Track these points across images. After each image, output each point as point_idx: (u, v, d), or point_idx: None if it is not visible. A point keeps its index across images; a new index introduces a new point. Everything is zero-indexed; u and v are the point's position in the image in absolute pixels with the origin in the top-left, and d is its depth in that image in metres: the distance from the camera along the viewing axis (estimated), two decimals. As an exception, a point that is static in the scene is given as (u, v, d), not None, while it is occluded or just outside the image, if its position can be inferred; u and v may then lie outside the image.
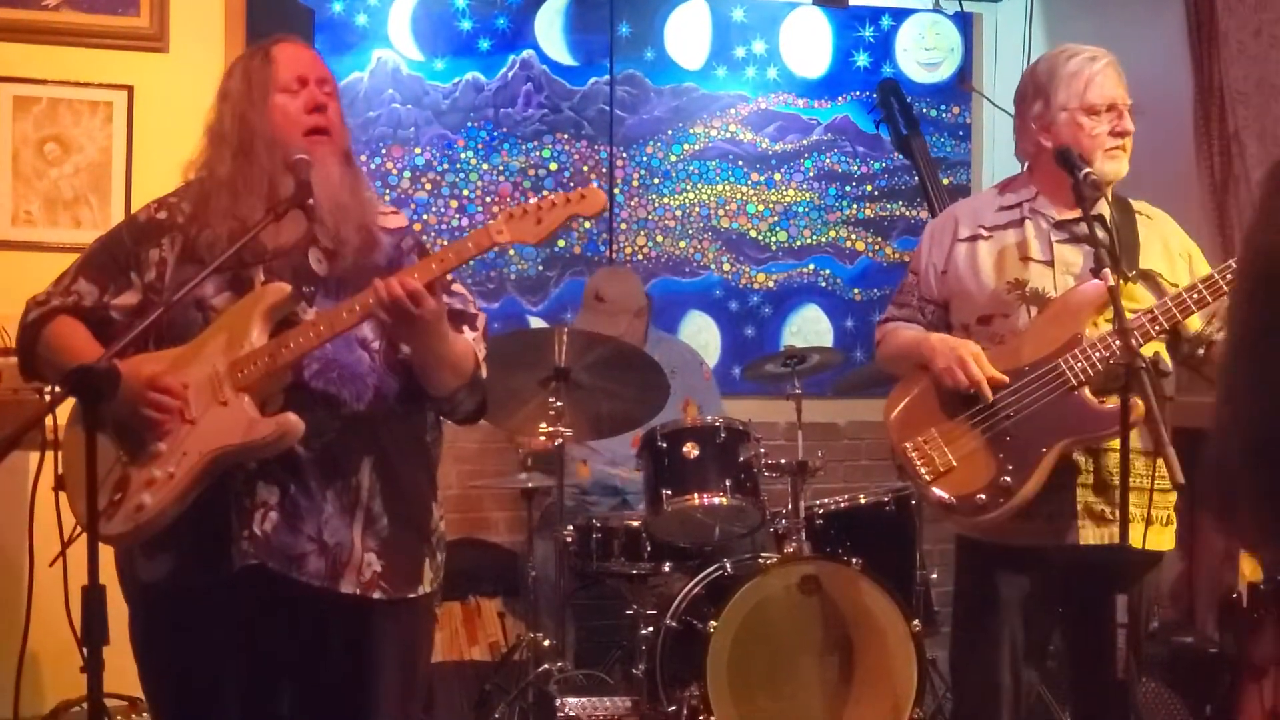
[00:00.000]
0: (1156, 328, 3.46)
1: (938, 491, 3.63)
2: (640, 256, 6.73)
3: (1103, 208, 3.64)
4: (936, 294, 3.83)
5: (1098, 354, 3.48)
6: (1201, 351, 3.68)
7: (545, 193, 6.46)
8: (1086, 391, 3.51)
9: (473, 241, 2.94)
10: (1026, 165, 3.83)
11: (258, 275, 3.04)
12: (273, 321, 2.98)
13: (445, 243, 6.26)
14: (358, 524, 3.03)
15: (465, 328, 3.17)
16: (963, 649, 3.86)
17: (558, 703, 4.90)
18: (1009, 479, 3.53)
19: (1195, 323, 3.62)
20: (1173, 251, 3.73)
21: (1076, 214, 3.56)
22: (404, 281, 2.88)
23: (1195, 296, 3.45)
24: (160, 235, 3.13)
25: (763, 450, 5.02)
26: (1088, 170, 3.51)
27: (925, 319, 3.84)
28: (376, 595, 3.04)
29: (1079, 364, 3.50)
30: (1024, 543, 3.61)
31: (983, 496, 3.56)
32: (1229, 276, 3.42)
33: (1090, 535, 3.55)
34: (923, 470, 3.66)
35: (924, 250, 3.89)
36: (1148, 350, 3.52)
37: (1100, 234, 3.54)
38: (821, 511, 5.10)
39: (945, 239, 3.83)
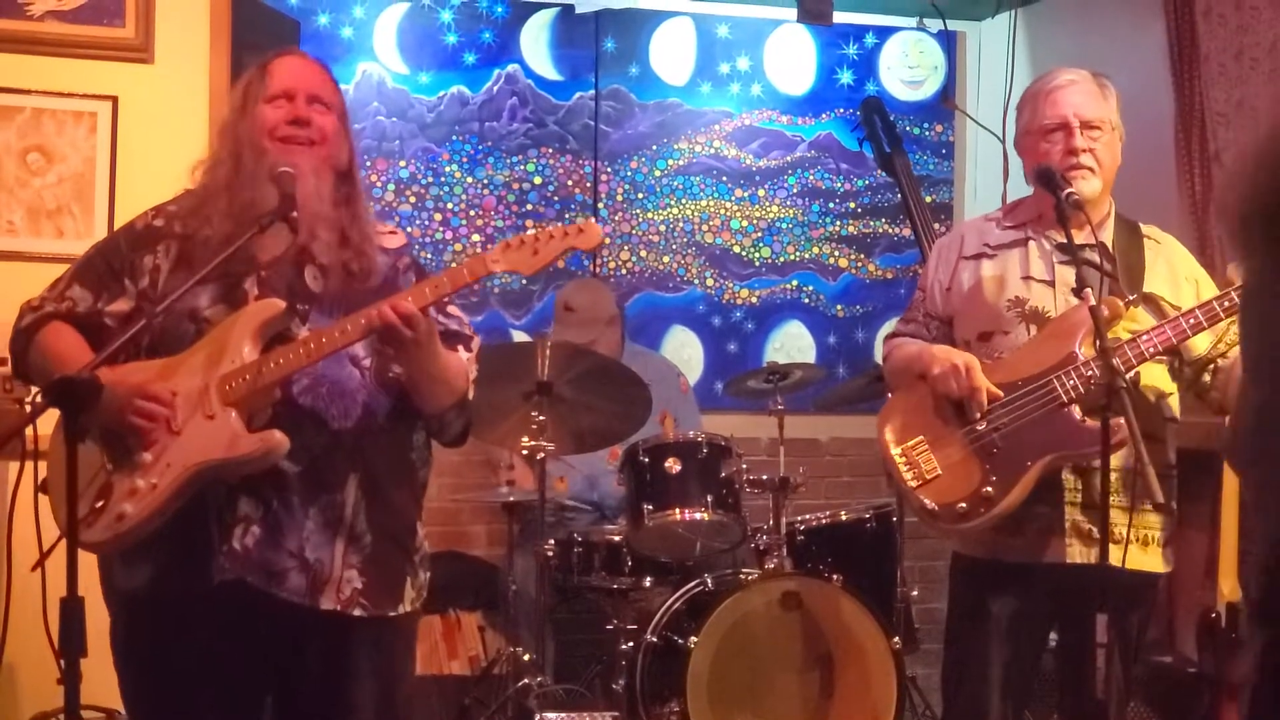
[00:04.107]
0: (1150, 349, 3.47)
1: (922, 498, 3.65)
2: (624, 271, 6.74)
3: (1106, 232, 3.67)
4: (941, 310, 3.85)
5: (1090, 373, 3.49)
6: (1207, 378, 3.68)
7: (530, 207, 6.55)
8: (1076, 409, 3.52)
9: (468, 269, 2.96)
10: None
11: (251, 289, 3.03)
12: (265, 337, 2.97)
13: (429, 256, 6.30)
14: (340, 541, 3.02)
15: (460, 348, 3.19)
16: (953, 665, 3.87)
17: (537, 717, 4.89)
18: (991, 489, 3.55)
19: (1200, 346, 3.63)
20: (1179, 276, 3.74)
21: (1079, 236, 3.55)
22: (398, 306, 2.89)
23: (1192, 321, 3.47)
24: (156, 243, 3.13)
25: (744, 466, 5.02)
26: (1070, 191, 3.52)
27: (930, 334, 3.86)
28: (357, 612, 3.03)
29: (1071, 381, 3.52)
30: (1014, 559, 3.62)
31: (964, 505, 3.58)
32: (1227, 304, 3.44)
33: (1078, 554, 3.56)
34: (908, 476, 3.68)
35: (931, 267, 3.92)
36: (1147, 374, 3.55)
37: (1095, 257, 3.56)
38: (803, 527, 5.11)
39: (951, 256, 3.86)
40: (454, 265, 3.03)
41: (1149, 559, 3.62)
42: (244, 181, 3.04)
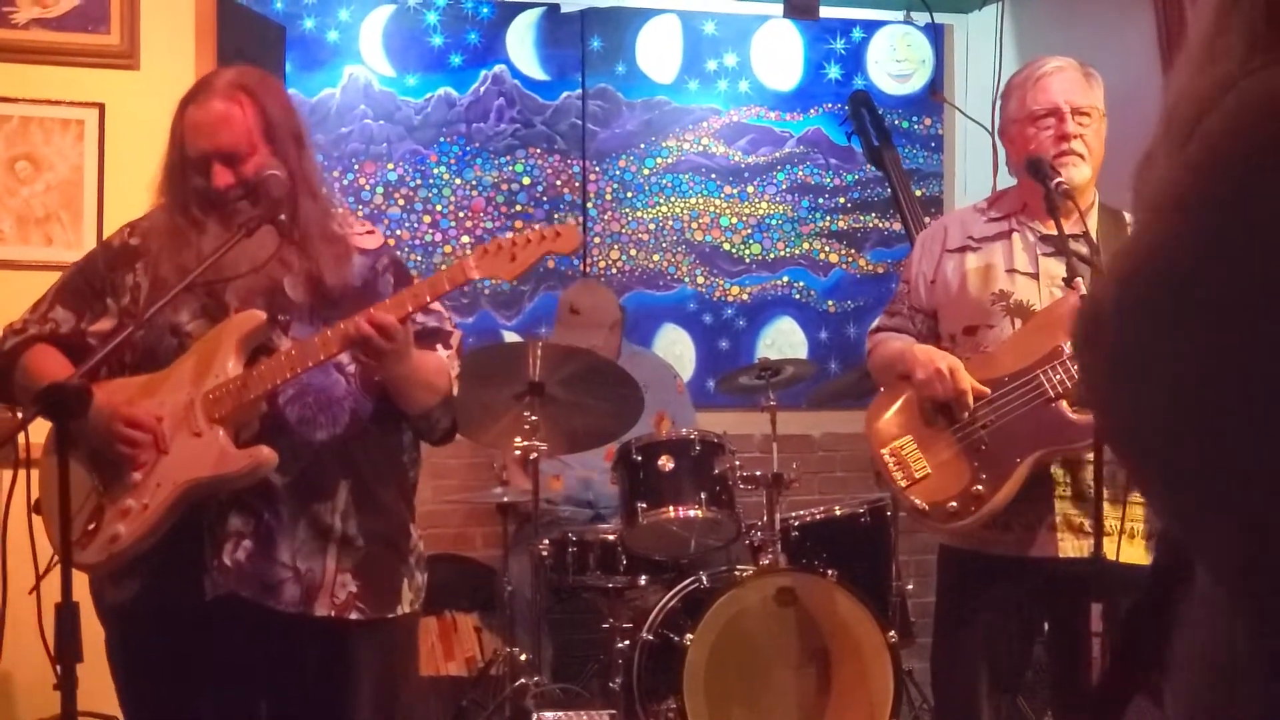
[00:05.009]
0: None
1: (912, 498, 3.65)
2: (614, 270, 6.74)
3: (1091, 220, 3.66)
4: (925, 303, 3.84)
5: (1076, 366, 3.49)
6: None
7: (519, 208, 6.55)
8: (1064, 403, 3.51)
9: (447, 277, 2.95)
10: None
11: (232, 301, 3.03)
12: (247, 349, 2.97)
13: (419, 258, 6.29)
14: (332, 547, 3.03)
15: (439, 345, 3.17)
16: (943, 658, 3.86)
17: (535, 717, 4.89)
18: (981, 487, 3.54)
19: None
20: None
21: (1065, 225, 3.54)
22: (375, 318, 2.87)
23: None
24: (134, 260, 3.13)
25: (738, 462, 5.02)
26: (1059, 180, 3.51)
27: (915, 328, 3.85)
28: (353, 616, 3.04)
29: (1057, 375, 3.51)
30: (1004, 553, 3.61)
31: (955, 504, 3.58)
32: None
33: (1069, 547, 3.55)
34: (898, 476, 3.68)
35: (915, 260, 3.90)
36: None
37: (1083, 248, 3.55)
38: (797, 523, 5.10)
39: (935, 249, 3.84)
40: (437, 270, 3.01)
41: (1137, 551, 3.61)
42: (186, 234, 3.01)
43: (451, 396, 3.17)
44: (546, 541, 5.15)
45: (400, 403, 3.10)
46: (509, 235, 2.97)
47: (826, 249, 7.02)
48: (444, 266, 3.01)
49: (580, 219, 6.67)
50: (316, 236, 3.06)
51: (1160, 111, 1.58)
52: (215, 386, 2.92)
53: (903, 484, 3.67)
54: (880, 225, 7.07)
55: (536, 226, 2.99)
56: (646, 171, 6.80)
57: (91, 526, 2.93)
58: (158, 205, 3.12)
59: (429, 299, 2.96)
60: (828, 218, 7.02)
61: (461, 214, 6.56)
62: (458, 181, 6.57)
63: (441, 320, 3.23)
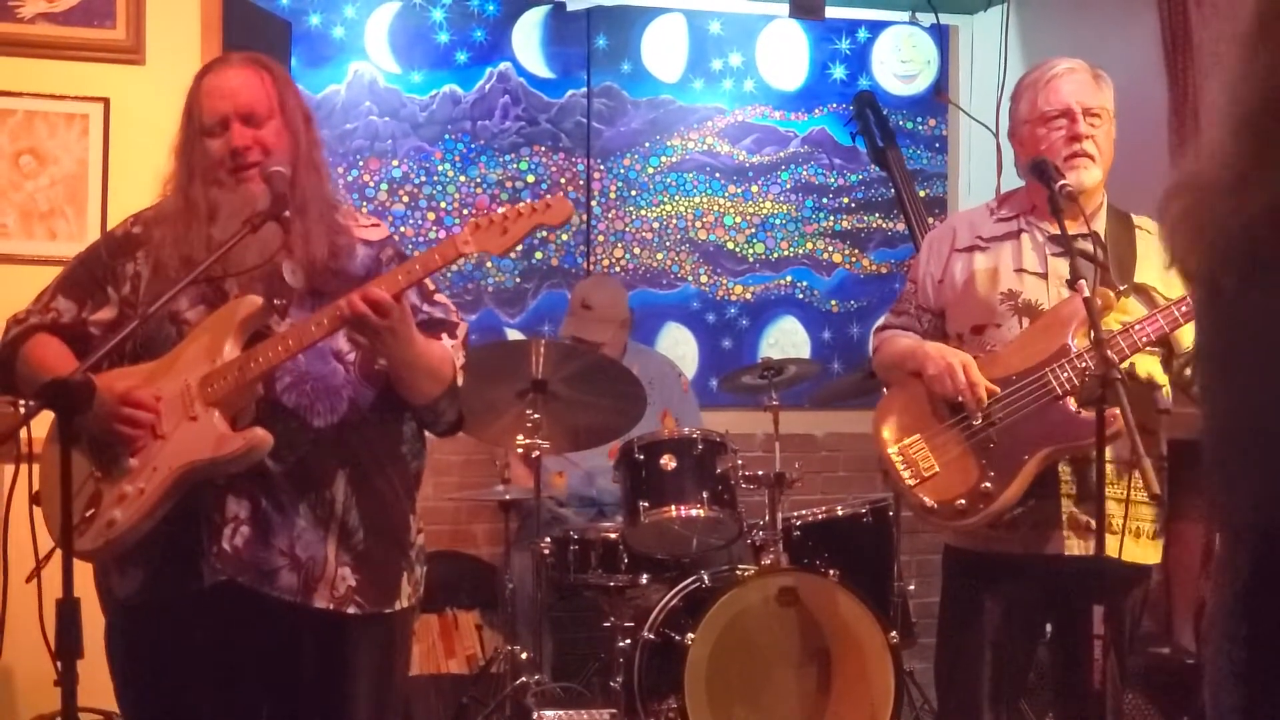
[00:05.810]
0: (1143, 339, 3.46)
1: (920, 496, 3.64)
2: (618, 269, 6.74)
3: (1099, 222, 3.65)
4: (933, 303, 3.83)
5: (1084, 364, 3.48)
6: (1189, 371, 3.65)
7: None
8: (1071, 402, 3.51)
9: (439, 253, 2.94)
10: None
11: (232, 289, 3.03)
12: (245, 335, 2.97)
13: (422, 255, 6.28)
14: (332, 537, 3.02)
15: (444, 335, 3.17)
16: (946, 660, 3.86)
17: (535, 715, 4.89)
18: (989, 485, 3.54)
19: (1190, 338, 3.61)
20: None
21: (1072, 226, 3.54)
22: (368, 294, 2.87)
23: (1184, 310, 3.43)
24: (135, 249, 3.13)
25: (740, 462, 5.02)
26: (1064, 182, 3.51)
27: (922, 327, 3.84)
28: (351, 610, 3.03)
29: (1065, 374, 3.51)
30: (1009, 552, 3.61)
31: (963, 502, 3.57)
32: None
33: (1075, 546, 3.54)
34: (906, 475, 3.67)
35: (922, 259, 3.89)
36: (1141, 366, 3.54)
37: (1089, 247, 3.55)
38: (799, 523, 5.10)
39: (943, 248, 3.83)
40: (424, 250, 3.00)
41: (1142, 550, 3.61)
42: (197, 213, 3.02)
43: (457, 387, 3.15)
44: (548, 539, 5.15)
45: (404, 391, 3.09)
46: (501, 210, 2.97)
47: (830, 249, 7.02)
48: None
49: (584, 217, 6.67)
50: (315, 211, 3.07)
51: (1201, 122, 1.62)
52: (212, 371, 2.92)
53: (911, 482, 3.66)
54: (884, 225, 7.07)
55: (526, 200, 2.98)
56: (651, 170, 6.80)
57: (89, 513, 2.93)
58: (165, 195, 3.12)
59: (422, 275, 2.95)
60: (831, 217, 7.01)
61: (466, 211, 6.56)
62: (462, 179, 6.57)
63: (447, 311, 3.23)
